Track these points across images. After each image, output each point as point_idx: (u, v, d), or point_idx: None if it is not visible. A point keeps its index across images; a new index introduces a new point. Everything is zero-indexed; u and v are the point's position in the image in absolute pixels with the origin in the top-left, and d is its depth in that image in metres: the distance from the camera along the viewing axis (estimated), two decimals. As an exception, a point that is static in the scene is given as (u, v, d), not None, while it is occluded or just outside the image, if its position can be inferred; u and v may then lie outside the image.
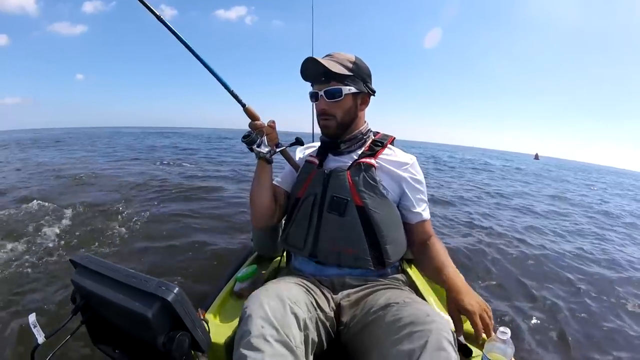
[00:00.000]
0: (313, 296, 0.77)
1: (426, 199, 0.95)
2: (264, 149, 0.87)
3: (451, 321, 0.72)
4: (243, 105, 0.89)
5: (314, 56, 0.86)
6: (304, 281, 0.82)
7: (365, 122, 0.97)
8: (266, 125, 0.88)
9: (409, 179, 0.92)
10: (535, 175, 12.98)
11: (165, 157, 8.82)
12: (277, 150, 0.91)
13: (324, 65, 0.83)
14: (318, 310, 0.75)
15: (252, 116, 0.89)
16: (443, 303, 0.92)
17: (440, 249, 0.88)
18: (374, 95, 0.95)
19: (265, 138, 0.88)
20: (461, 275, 0.79)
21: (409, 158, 0.95)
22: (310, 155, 1.00)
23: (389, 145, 0.97)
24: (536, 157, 44.20)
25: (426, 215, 0.93)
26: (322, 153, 0.98)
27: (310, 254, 0.90)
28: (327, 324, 0.77)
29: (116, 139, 18.01)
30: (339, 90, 0.87)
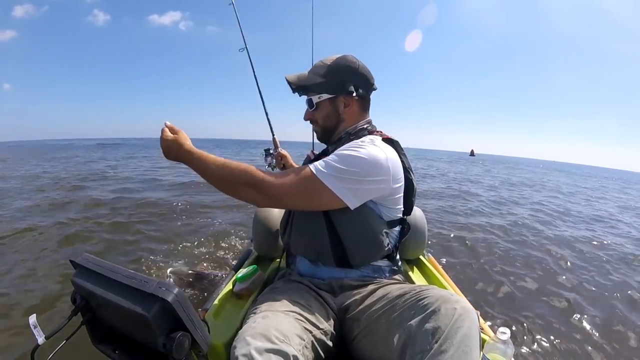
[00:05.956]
0: (306, 317, 0.74)
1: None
2: (267, 162, 1.37)
3: None
4: (273, 134, 1.46)
5: (313, 58, 0.93)
6: (298, 299, 0.79)
7: (360, 121, 0.93)
8: (279, 151, 1.35)
9: None
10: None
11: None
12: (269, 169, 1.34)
13: (292, 82, 0.93)
14: (314, 330, 0.74)
15: (275, 144, 1.40)
16: None
17: None
18: (357, 95, 0.90)
19: (271, 159, 1.35)
20: None
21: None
22: (312, 151, 1.06)
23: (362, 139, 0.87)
24: (472, 153, 44.49)
25: None
26: (324, 152, 1.02)
27: (286, 242, 0.98)
28: (326, 337, 0.76)
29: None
30: (310, 101, 0.93)
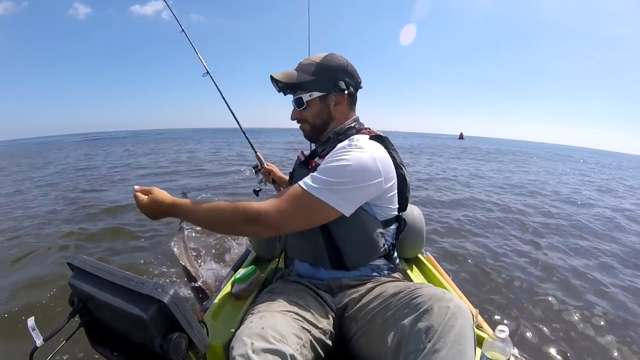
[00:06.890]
0: (304, 317, 0.74)
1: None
2: (259, 179, 1.44)
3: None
4: (255, 152, 1.46)
5: (306, 56, 0.93)
6: (297, 299, 0.79)
7: (347, 120, 0.93)
8: (265, 167, 1.41)
9: None
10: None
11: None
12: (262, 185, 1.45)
13: (281, 80, 0.89)
14: (312, 329, 0.74)
15: (260, 161, 1.42)
16: None
17: None
18: (348, 92, 0.90)
19: (261, 176, 1.42)
20: None
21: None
22: (303, 152, 1.05)
23: (349, 139, 0.86)
24: (461, 136, 43.71)
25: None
26: (313, 153, 1.01)
27: (282, 247, 0.99)
28: (325, 336, 0.76)
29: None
30: (300, 99, 0.91)
